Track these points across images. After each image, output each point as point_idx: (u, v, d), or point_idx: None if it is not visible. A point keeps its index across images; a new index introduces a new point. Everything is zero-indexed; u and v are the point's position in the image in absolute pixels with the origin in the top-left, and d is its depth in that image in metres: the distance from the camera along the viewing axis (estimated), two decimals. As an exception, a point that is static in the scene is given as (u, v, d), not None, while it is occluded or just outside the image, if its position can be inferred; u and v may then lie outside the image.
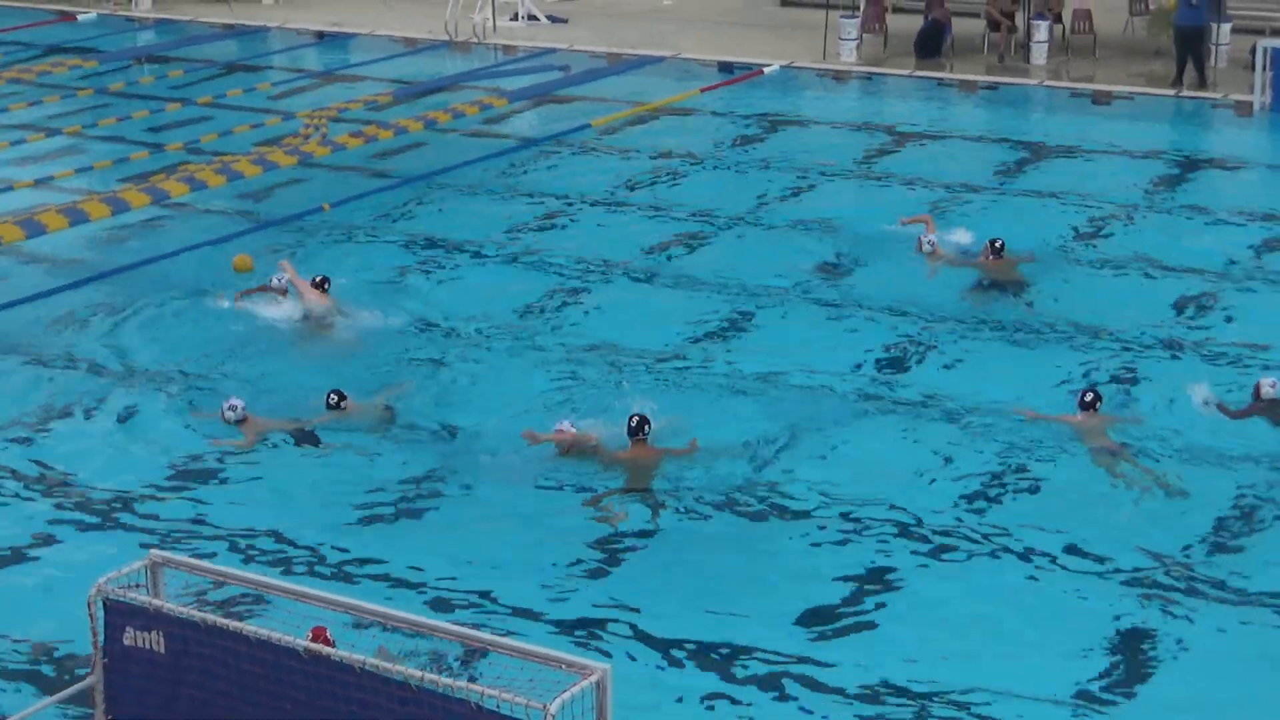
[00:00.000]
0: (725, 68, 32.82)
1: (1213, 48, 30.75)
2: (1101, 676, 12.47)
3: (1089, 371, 17.81)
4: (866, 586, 13.79)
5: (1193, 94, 29.74)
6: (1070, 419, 16.50)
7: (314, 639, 10.37)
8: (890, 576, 13.95)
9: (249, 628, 9.76)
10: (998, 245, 20.62)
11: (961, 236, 21.68)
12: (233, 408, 16.64)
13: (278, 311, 19.88)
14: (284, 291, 20.10)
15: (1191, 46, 30.00)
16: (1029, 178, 25.29)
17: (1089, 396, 16.50)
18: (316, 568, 14.16)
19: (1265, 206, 23.49)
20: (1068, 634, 13.02)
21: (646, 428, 15.50)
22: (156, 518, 15.13)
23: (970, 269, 20.77)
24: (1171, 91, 29.90)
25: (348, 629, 10.86)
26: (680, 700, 12.27)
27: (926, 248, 21.18)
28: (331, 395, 16.77)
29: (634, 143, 27.71)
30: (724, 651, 12.84)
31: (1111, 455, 15.95)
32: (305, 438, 16.61)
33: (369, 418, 16.85)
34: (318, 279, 20.03)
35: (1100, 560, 14.06)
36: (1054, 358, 18.18)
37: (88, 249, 22.81)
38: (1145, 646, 12.89)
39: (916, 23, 33.47)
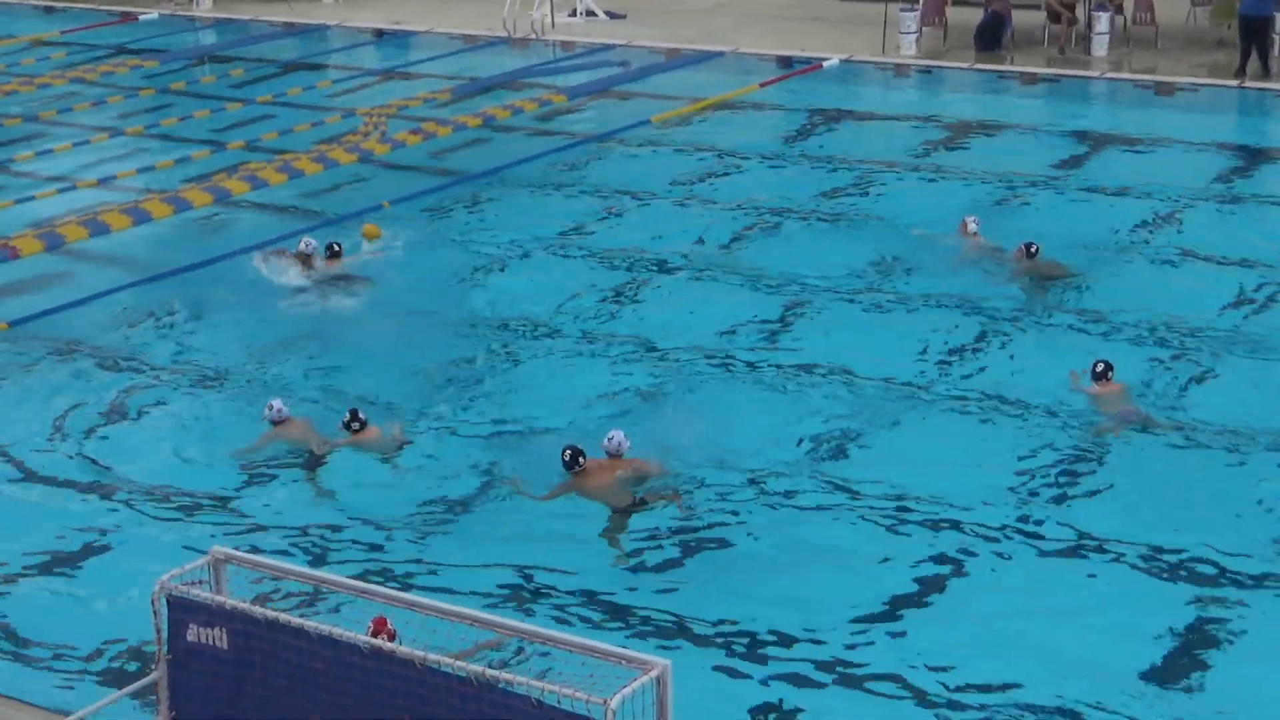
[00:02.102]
0: (784, 62, 32.74)
1: (1277, 37, 30.45)
2: (1158, 673, 12.40)
3: (1150, 364, 17.67)
4: (919, 583, 13.72)
5: (1256, 84, 29.46)
6: (1087, 390, 16.68)
7: (375, 630, 10.43)
8: (941, 573, 13.87)
9: (311, 623, 9.79)
10: (1032, 250, 20.38)
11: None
12: (271, 408, 16.51)
13: (339, 304, 20.07)
14: (308, 258, 21.27)
15: (1256, 36, 29.71)
16: (1090, 170, 25.10)
17: (1100, 367, 16.70)
18: (377, 564, 14.20)
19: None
20: (1132, 630, 12.95)
21: (581, 460, 15.04)
22: (220, 514, 15.21)
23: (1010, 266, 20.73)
24: (1235, 82, 29.62)
25: (410, 625, 10.87)
26: (737, 697, 12.25)
27: (972, 227, 21.25)
28: (347, 414, 16.37)
29: (693, 138, 27.67)
30: (780, 649, 12.81)
31: (1127, 421, 16.20)
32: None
33: (385, 445, 16.43)
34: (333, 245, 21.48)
35: (1156, 554, 13.98)
36: (1117, 351, 17.98)
37: (150, 248, 22.97)
38: (1207, 644, 12.80)
39: (976, 15, 33.30)
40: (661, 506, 14.84)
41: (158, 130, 29.62)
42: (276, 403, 16.56)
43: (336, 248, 21.48)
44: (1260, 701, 12.07)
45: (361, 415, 16.32)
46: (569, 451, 15.06)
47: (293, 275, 21.16)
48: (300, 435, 16.43)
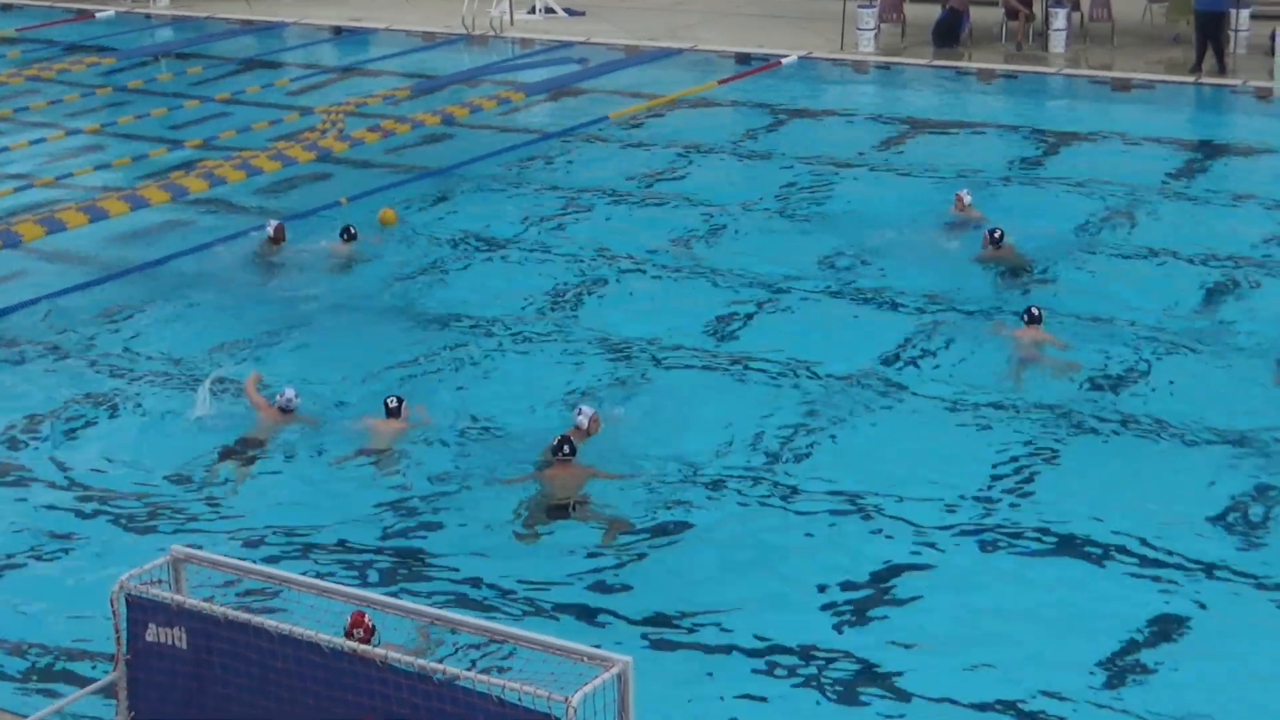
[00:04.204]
0: (743, 59, 32.78)
1: (1232, 34, 30.62)
2: (1125, 665, 12.46)
3: (1108, 360, 17.75)
4: (882, 579, 13.76)
5: (1212, 81, 29.63)
6: (1014, 332, 17.82)
7: (352, 625, 10.46)
8: (904, 569, 13.90)
9: (271, 622, 9.77)
10: (996, 235, 20.61)
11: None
12: (284, 395, 16.69)
13: (297, 303, 20.06)
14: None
15: (1211, 32, 29.86)
16: (1048, 166, 25.22)
17: (1035, 310, 17.90)
18: (338, 563, 14.17)
19: (1285, 193, 23.45)
20: (1092, 623, 13.01)
21: (567, 448, 15.19)
22: (179, 514, 15.15)
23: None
24: (1191, 78, 29.78)
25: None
26: (698, 693, 12.26)
27: (967, 200, 22.08)
28: (391, 400, 16.54)
29: (651, 135, 27.69)
30: (741, 645, 12.83)
31: (1031, 361, 17.37)
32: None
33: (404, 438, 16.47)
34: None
35: (1122, 549, 14.05)
36: (1073, 344, 18.08)
37: (107, 246, 22.86)
38: (1168, 636, 12.88)
39: (934, 12, 33.39)
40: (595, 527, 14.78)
41: (114, 128, 29.48)
42: (290, 391, 16.69)
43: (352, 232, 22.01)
44: (1220, 692, 12.16)
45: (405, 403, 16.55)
46: (561, 443, 15.15)
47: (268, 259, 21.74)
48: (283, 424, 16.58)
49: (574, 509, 14.79)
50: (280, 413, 16.61)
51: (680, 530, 14.61)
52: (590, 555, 14.18)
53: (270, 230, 21.98)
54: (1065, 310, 19.00)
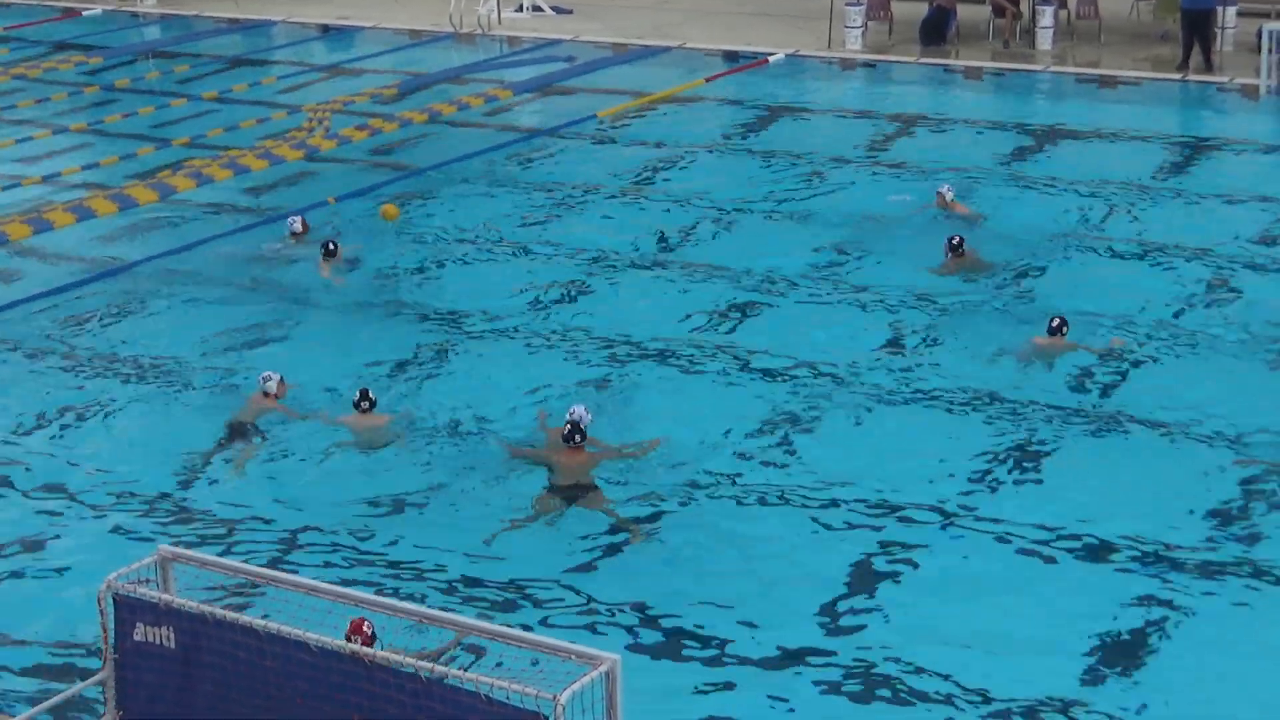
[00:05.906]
0: (730, 57, 32.80)
1: (1219, 31, 30.70)
2: (1105, 660, 12.49)
3: (1096, 357, 17.78)
4: (868, 575, 13.77)
5: (1199, 78, 29.69)
6: (1036, 340, 17.74)
7: (351, 631, 10.44)
8: (891, 565, 13.92)
9: (259, 622, 9.76)
10: (955, 242, 20.48)
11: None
12: (269, 379, 16.79)
13: (284, 301, 20.05)
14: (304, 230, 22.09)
15: (1198, 30, 29.92)
16: (1035, 163, 25.24)
17: (1055, 322, 17.74)
18: (326, 561, 14.16)
19: (1272, 190, 23.44)
20: (1075, 618, 13.04)
21: (578, 436, 15.32)
22: (167, 512, 15.15)
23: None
24: (1177, 76, 29.84)
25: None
26: (687, 691, 12.27)
27: (949, 195, 22.04)
28: (358, 393, 16.59)
29: (639, 133, 27.69)
30: (729, 643, 12.85)
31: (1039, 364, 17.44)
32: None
33: (383, 433, 16.55)
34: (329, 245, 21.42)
35: (1103, 543, 14.08)
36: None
37: (95, 245, 22.83)
38: (1151, 629, 12.90)
39: (921, 10, 33.42)
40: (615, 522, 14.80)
41: (101, 127, 29.44)
42: (274, 375, 16.80)
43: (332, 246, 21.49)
44: (1208, 691, 12.19)
45: (371, 395, 16.51)
46: (569, 426, 15.27)
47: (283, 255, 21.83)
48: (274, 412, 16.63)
49: (584, 497, 14.86)
50: (263, 397, 16.65)
51: (669, 527, 14.61)
52: (579, 553, 14.20)
53: (297, 225, 22.04)
54: (1049, 307, 19.02)
